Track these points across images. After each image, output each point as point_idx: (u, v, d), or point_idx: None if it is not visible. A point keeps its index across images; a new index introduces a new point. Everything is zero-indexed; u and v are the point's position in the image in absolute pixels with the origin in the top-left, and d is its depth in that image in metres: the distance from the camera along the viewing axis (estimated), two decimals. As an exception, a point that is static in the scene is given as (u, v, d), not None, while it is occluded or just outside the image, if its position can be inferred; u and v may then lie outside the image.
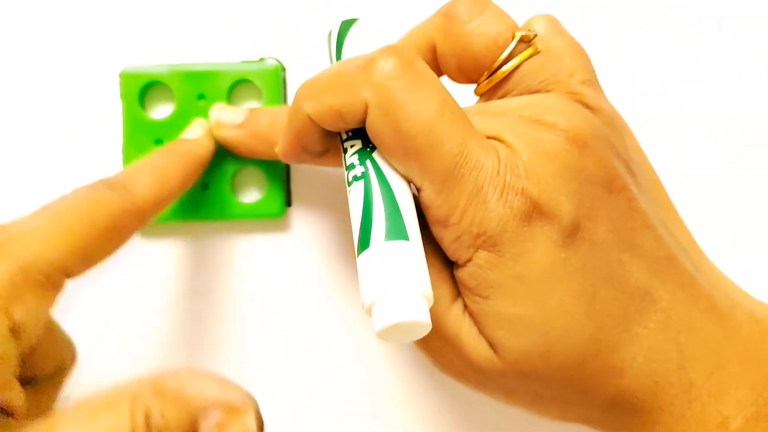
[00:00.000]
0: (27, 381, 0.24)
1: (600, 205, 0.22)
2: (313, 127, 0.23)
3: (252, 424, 0.21)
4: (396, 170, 0.22)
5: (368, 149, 0.23)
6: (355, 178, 0.22)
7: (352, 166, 0.23)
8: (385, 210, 0.22)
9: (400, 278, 0.20)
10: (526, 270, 0.22)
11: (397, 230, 0.21)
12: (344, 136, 0.23)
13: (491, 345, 0.23)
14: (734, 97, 0.31)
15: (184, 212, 0.29)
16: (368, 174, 0.22)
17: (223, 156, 0.29)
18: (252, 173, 0.30)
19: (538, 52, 0.24)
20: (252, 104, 0.30)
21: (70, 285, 0.29)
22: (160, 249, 0.30)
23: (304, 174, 0.30)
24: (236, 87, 0.29)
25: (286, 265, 0.30)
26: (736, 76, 0.31)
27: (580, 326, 0.22)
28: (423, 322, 0.20)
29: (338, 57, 0.25)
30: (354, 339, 0.30)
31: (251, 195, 0.30)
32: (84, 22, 0.30)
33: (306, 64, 0.30)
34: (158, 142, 0.29)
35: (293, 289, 0.30)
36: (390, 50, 0.22)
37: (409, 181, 0.23)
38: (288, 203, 0.30)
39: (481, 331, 0.23)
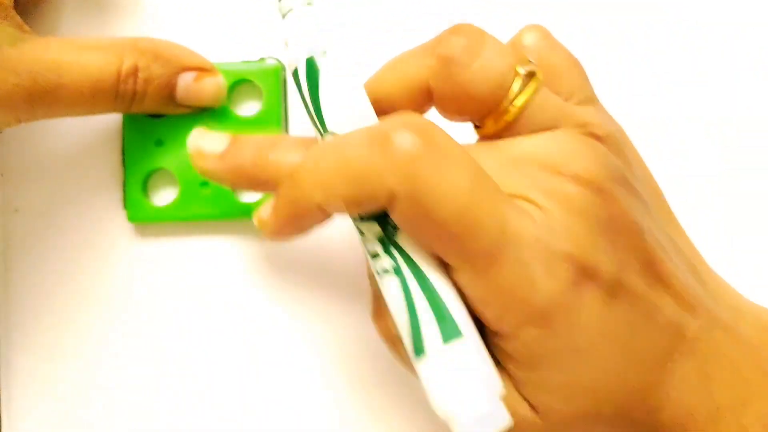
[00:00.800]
0: None
1: (630, 252, 0.22)
2: (320, 213, 0.22)
3: (221, 79, 0.27)
4: (427, 253, 0.21)
5: (389, 233, 0.21)
6: (386, 272, 0.21)
7: (376, 256, 0.21)
8: (431, 308, 0.20)
9: (471, 385, 0.20)
10: (578, 339, 0.21)
11: (450, 330, 0.20)
12: (355, 216, 0.22)
13: (533, 407, 0.22)
14: (732, 98, 0.31)
15: (183, 211, 0.29)
16: (401, 269, 0.21)
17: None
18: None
19: (541, 82, 0.23)
20: (252, 104, 0.30)
21: (68, 286, 0.29)
22: (159, 249, 0.30)
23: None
24: (237, 87, 0.29)
25: (286, 266, 0.30)
26: (734, 77, 0.31)
27: (625, 380, 0.22)
28: (507, 426, 0.20)
29: (315, 100, 0.23)
30: (355, 341, 0.30)
31: (251, 195, 0.30)
32: (84, 21, 0.30)
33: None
34: (159, 142, 0.29)
35: (293, 291, 0.30)
36: (404, 123, 0.20)
37: (441, 261, 0.21)
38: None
39: (521, 393, 0.22)
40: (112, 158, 0.30)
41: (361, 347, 0.30)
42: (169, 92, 0.27)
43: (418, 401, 0.30)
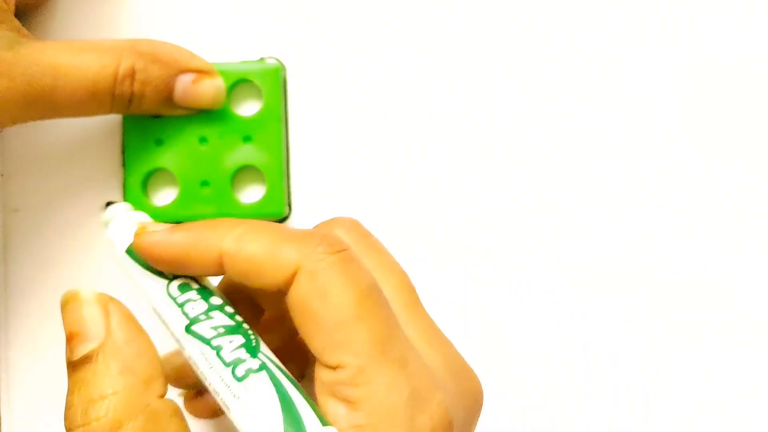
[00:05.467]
0: None
1: None
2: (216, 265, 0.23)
3: (220, 81, 0.27)
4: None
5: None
6: (251, 371, 0.22)
7: (239, 361, 0.22)
8: (305, 399, 0.21)
9: None
10: None
11: (321, 418, 0.21)
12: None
13: None
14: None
15: (183, 211, 0.29)
16: (267, 366, 0.22)
17: (224, 153, 0.29)
18: (252, 173, 0.30)
19: None
20: (253, 104, 0.30)
21: (68, 286, 0.29)
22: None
23: (305, 175, 0.30)
24: (236, 87, 0.29)
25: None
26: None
27: None
28: None
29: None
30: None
31: (251, 195, 0.30)
32: (84, 21, 0.30)
33: (306, 65, 0.30)
34: (159, 142, 0.29)
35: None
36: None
37: None
38: (288, 205, 0.30)
39: None
40: (113, 158, 0.30)
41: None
42: (167, 94, 0.27)
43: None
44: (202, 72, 0.27)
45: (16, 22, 0.26)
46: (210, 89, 0.27)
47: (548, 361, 0.29)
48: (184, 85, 0.27)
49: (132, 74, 0.26)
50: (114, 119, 0.30)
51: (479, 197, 0.30)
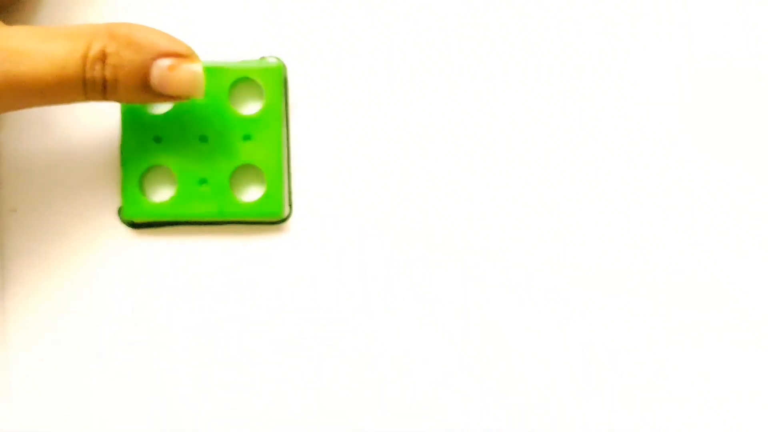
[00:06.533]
0: None
1: None
2: None
3: (198, 68, 0.26)
4: None
5: None
6: None
7: None
8: None
9: None
10: None
11: None
12: None
13: None
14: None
15: (180, 209, 0.29)
16: None
17: (223, 151, 0.29)
18: (252, 171, 0.30)
19: None
20: (254, 103, 0.30)
21: (66, 286, 0.29)
22: (156, 249, 0.30)
23: (306, 175, 0.30)
24: (237, 85, 0.29)
25: (285, 269, 0.30)
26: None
27: None
28: None
29: None
30: (356, 347, 0.30)
31: (250, 194, 0.30)
32: (83, 19, 0.30)
33: (308, 64, 0.30)
34: (157, 138, 0.29)
35: (293, 293, 0.30)
36: None
37: None
38: (289, 204, 0.30)
39: None
40: (112, 156, 0.30)
41: (363, 355, 0.30)
42: (142, 81, 0.25)
43: (428, 409, 0.30)
44: (180, 56, 0.26)
45: None
46: (187, 75, 0.26)
47: (548, 361, 0.29)
48: (160, 70, 0.25)
49: (103, 58, 0.25)
50: (112, 116, 0.30)
51: (479, 197, 0.30)
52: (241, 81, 0.29)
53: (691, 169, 0.30)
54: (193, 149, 0.29)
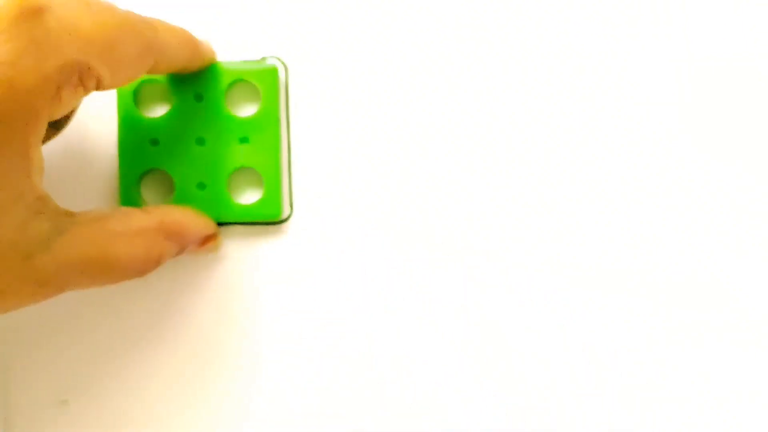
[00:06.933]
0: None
1: None
2: None
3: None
4: None
5: None
6: None
7: None
8: None
9: None
10: None
11: None
12: None
13: None
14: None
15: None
16: None
17: (221, 154, 0.29)
18: (250, 174, 0.29)
19: None
20: (250, 105, 0.29)
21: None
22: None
23: (306, 176, 0.30)
24: (234, 87, 0.29)
25: (285, 271, 0.30)
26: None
27: None
28: None
29: None
30: (356, 347, 0.30)
31: (248, 197, 0.29)
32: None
33: (309, 64, 0.30)
34: (154, 142, 0.29)
35: (292, 295, 0.30)
36: None
37: None
38: (290, 205, 0.29)
39: None
40: (110, 159, 0.30)
41: (365, 358, 0.30)
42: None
43: (428, 409, 0.30)
44: (209, 238, 0.29)
45: (54, 204, 0.24)
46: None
47: (548, 361, 0.29)
48: (190, 247, 0.28)
49: (159, 259, 0.27)
50: (110, 120, 0.30)
51: (479, 197, 0.30)
52: (238, 82, 0.29)
53: (691, 169, 0.30)
54: (191, 152, 0.29)
